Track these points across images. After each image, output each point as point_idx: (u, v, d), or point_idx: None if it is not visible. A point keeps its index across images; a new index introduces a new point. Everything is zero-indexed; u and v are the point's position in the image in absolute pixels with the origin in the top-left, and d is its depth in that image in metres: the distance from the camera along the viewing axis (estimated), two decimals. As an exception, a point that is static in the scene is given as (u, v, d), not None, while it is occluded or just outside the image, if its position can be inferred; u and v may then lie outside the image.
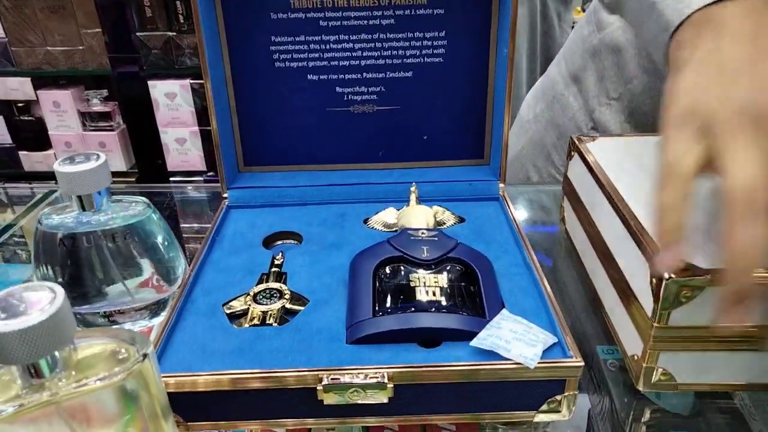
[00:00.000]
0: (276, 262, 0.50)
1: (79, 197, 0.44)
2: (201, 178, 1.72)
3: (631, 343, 0.42)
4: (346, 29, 0.55)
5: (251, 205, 0.58)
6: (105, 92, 1.75)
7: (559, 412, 0.39)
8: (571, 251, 0.58)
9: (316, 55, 0.57)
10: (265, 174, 0.61)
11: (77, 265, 0.44)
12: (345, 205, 0.58)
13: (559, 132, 0.80)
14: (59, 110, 1.73)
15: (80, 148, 1.78)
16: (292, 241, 0.54)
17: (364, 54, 0.57)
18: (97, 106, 1.74)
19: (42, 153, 1.82)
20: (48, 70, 1.69)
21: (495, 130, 0.58)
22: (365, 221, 0.55)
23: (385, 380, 0.36)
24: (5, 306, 0.26)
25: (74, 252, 0.44)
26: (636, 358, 0.41)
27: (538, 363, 0.37)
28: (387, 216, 0.54)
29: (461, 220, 0.55)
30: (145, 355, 0.29)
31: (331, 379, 0.36)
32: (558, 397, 0.38)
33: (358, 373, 0.36)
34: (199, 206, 0.56)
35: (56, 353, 0.27)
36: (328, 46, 0.56)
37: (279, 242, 0.54)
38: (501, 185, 0.59)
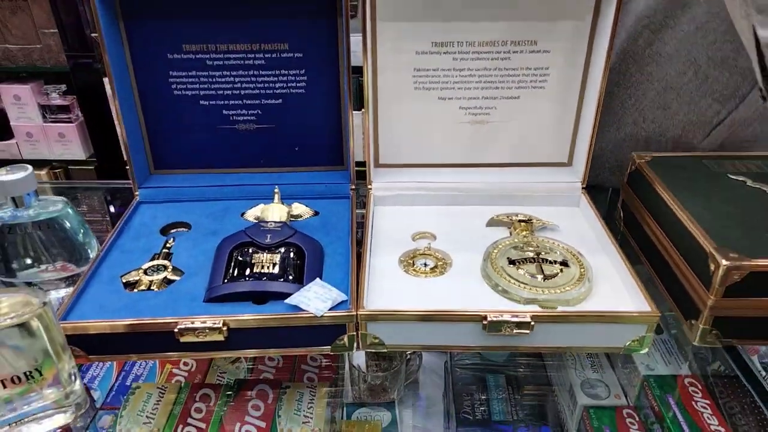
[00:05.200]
0: (167, 245, 0.67)
1: (13, 198, 0.60)
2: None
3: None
4: (227, 67, 0.72)
5: (157, 201, 0.75)
6: (64, 87, 1.88)
7: (345, 347, 0.57)
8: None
9: (205, 86, 0.73)
10: (170, 176, 0.78)
11: (13, 247, 0.61)
12: (230, 202, 0.75)
13: None
14: (20, 103, 1.86)
15: (41, 138, 1.91)
16: (184, 229, 0.71)
17: (243, 86, 0.74)
18: (56, 100, 1.87)
19: (4, 142, 1.95)
20: (8, 66, 1.81)
21: (347, 142, 0.76)
22: (242, 214, 0.73)
23: (220, 325, 0.54)
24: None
25: (11, 237, 0.60)
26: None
27: (326, 314, 0.55)
28: (257, 211, 0.72)
29: (316, 213, 0.73)
30: (44, 303, 0.46)
31: (184, 325, 0.54)
32: (343, 337, 0.56)
33: (203, 321, 0.54)
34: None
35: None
36: (214, 80, 0.73)
37: (173, 230, 0.71)
38: (352, 187, 0.77)
